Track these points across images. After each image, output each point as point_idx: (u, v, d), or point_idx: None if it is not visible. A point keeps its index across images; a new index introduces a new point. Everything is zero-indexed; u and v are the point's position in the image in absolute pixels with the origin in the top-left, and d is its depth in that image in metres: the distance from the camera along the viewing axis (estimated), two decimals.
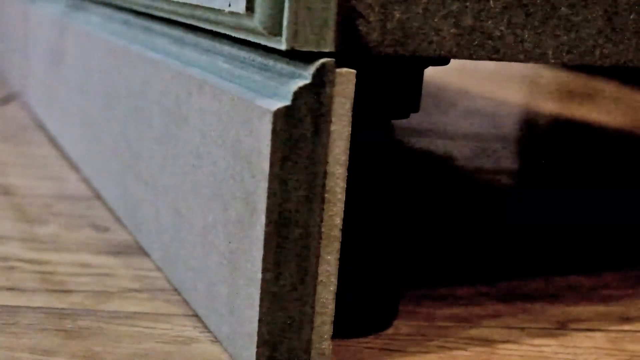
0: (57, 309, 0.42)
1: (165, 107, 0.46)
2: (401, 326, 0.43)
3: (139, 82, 0.51)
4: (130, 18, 0.57)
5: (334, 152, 0.35)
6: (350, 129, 0.35)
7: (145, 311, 0.42)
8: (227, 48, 0.42)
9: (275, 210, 0.35)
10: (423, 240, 0.57)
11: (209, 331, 0.41)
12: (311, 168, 0.35)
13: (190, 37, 0.46)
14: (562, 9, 0.39)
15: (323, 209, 0.36)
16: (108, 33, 0.58)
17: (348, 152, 0.36)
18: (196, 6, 0.40)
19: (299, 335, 0.36)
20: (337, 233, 0.36)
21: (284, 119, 0.34)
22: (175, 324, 0.41)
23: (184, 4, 0.42)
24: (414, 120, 1.00)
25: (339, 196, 0.36)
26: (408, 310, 0.45)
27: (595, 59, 0.40)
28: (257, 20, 0.34)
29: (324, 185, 0.35)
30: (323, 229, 0.36)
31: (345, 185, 0.36)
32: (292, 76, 0.35)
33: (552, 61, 0.39)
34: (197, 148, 0.42)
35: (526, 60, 0.39)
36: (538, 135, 1.01)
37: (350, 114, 0.35)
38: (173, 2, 0.44)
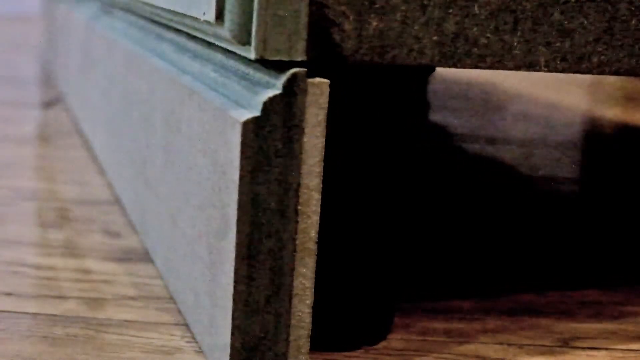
0: (50, 315, 0.42)
1: (164, 114, 0.46)
2: (394, 340, 0.42)
3: (147, 89, 0.51)
4: (147, 25, 0.57)
5: (308, 164, 0.35)
6: (324, 140, 0.35)
7: (136, 319, 0.42)
8: (218, 56, 0.41)
9: (246, 222, 0.34)
10: (434, 249, 0.55)
11: (196, 341, 0.41)
12: (283, 180, 0.34)
13: (190, 44, 0.46)
14: (555, 14, 0.37)
15: (297, 222, 0.35)
16: (127, 39, 0.59)
17: (322, 163, 0.35)
18: (184, 15, 0.40)
19: (274, 348, 0.36)
20: (312, 246, 0.35)
21: (254, 129, 0.34)
22: (164, 333, 0.41)
23: (176, 12, 0.42)
24: (465, 124, 0.99)
25: (314, 208, 0.35)
26: (405, 323, 0.44)
27: (592, 67, 0.38)
28: (226, 29, 0.34)
29: (297, 197, 0.35)
30: (297, 242, 0.35)
31: (321, 197, 0.35)
32: (267, 86, 0.35)
33: (545, 69, 0.38)
34: (187, 157, 0.41)
35: (516, 68, 0.37)
36: (594, 142, 0.98)
37: (324, 124, 0.34)
38: (169, 10, 0.44)
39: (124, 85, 0.58)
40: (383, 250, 0.41)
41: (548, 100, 1.21)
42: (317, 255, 0.39)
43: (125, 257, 0.51)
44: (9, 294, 0.44)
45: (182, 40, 0.48)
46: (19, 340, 0.39)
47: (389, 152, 0.40)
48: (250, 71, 0.37)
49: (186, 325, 0.42)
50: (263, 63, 0.35)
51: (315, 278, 0.40)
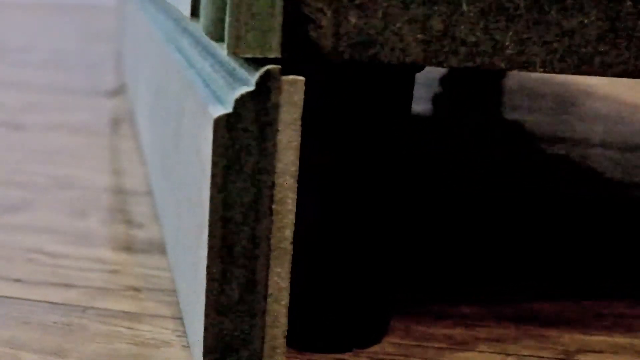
0: (51, 302, 0.43)
1: (175, 107, 0.47)
2: (387, 344, 0.41)
3: (167, 81, 0.51)
4: (178, 17, 0.58)
5: (283, 162, 0.34)
6: (299, 138, 0.34)
7: (133, 311, 0.43)
8: (218, 51, 0.41)
9: (218, 219, 0.34)
10: (458, 252, 0.54)
11: (186, 336, 0.41)
12: (257, 178, 0.34)
13: (203, 39, 0.46)
14: (552, 13, 0.35)
15: (272, 221, 0.35)
16: (161, 30, 0.59)
17: (298, 162, 0.34)
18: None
19: (248, 347, 0.36)
20: (287, 246, 0.35)
21: (226, 126, 0.33)
22: (157, 326, 0.41)
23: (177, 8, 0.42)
24: (541, 124, 0.96)
25: (289, 207, 0.35)
26: (404, 327, 0.43)
27: (594, 68, 0.36)
28: (202, 26, 0.34)
29: (272, 196, 0.34)
30: (272, 241, 0.35)
31: (296, 197, 0.34)
32: (244, 83, 0.34)
33: (541, 70, 0.36)
34: (186, 151, 0.42)
35: (508, 68, 0.36)
36: None
37: (299, 122, 0.34)
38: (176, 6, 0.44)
39: (157, 76, 0.59)
40: (378, 252, 0.40)
41: (629, 100, 1.17)
42: (308, 254, 0.39)
43: (142, 248, 0.51)
44: (18, 280, 0.45)
45: (197, 34, 0.48)
46: (14, 326, 0.40)
47: (374, 151, 0.39)
48: (236, 67, 0.37)
49: (181, 319, 0.42)
50: (245, 59, 0.35)
51: (305, 276, 0.39)
